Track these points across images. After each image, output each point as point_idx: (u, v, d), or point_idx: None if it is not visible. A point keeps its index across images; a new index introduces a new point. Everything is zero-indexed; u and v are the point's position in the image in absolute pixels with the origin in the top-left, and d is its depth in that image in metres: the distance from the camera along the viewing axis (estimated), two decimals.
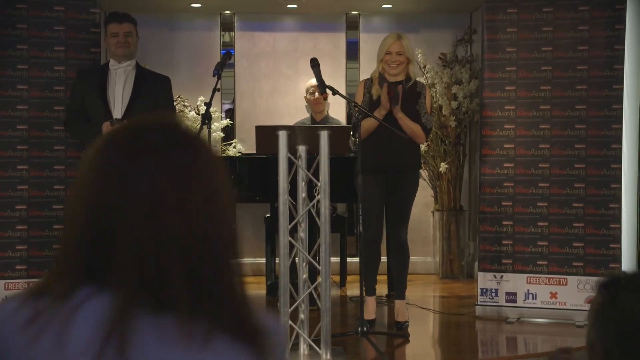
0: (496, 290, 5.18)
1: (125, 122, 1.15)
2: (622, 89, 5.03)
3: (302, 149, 4.06)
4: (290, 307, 3.95)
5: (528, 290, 5.13)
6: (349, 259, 6.41)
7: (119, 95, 4.67)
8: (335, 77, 6.88)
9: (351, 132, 4.72)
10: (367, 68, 6.96)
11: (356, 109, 4.56)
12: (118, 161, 1.06)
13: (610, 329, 1.63)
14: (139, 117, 1.14)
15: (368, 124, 4.65)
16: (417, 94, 4.85)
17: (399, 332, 4.81)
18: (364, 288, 4.65)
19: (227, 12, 6.98)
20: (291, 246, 4.01)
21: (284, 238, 3.95)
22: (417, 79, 4.96)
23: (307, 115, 6.32)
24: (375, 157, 4.67)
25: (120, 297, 1.02)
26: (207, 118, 4.30)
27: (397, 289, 4.98)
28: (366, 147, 4.52)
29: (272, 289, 5.83)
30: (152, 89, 4.76)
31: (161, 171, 1.05)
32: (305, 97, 6.25)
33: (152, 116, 1.13)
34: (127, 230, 1.04)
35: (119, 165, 1.06)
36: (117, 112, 4.63)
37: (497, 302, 5.17)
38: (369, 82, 4.93)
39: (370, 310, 4.87)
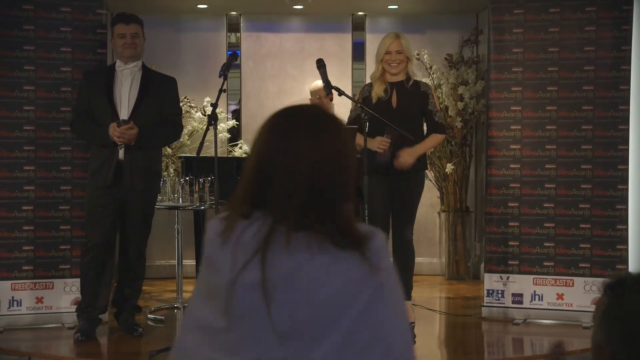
0: (502, 291, 5.17)
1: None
2: (628, 90, 5.02)
3: None
4: None
5: (534, 291, 5.12)
6: None
7: (125, 96, 4.67)
8: (342, 78, 6.88)
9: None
10: (373, 69, 6.96)
11: (364, 116, 4.56)
12: (278, 132, 1.72)
13: (616, 330, 1.62)
14: (294, 104, 1.84)
15: (359, 141, 4.55)
16: (423, 94, 4.86)
17: None
18: None
19: (233, 13, 6.99)
20: None
21: None
22: (422, 80, 4.96)
23: None
24: (381, 159, 4.70)
25: (272, 219, 1.60)
26: (213, 119, 4.29)
27: (405, 290, 4.97)
28: (371, 149, 4.54)
29: None
30: (158, 90, 4.75)
31: (305, 141, 1.66)
32: (311, 100, 6.26)
33: (302, 105, 1.85)
34: (279, 177, 1.62)
35: (278, 135, 1.70)
36: (124, 112, 4.62)
37: (504, 303, 5.17)
38: (367, 87, 4.94)
39: None
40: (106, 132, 4.55)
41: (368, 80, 6.79)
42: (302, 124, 1.74)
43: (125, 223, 4.71)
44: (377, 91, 4.82)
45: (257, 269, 1.56)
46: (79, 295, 5.00)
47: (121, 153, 4.60)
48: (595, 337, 1.66)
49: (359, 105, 4.64)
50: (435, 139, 4.90)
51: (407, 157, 4.70)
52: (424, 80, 4.95)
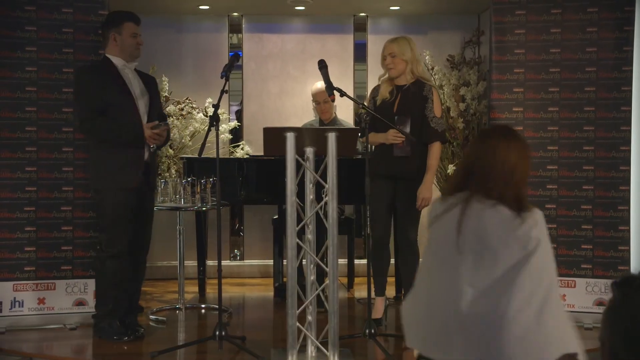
0: None
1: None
2: (630, 91, 5.02)
3: (309, 151, 4.06)
4: (297, 309, 3.95)
5: None
6: (356, 261, 6.41)
7: (139, 94, 4.69)
8: (343, 79, 6.88)
9: (359, 134, 4.74)
10: (375, 70, 6.95)
11: (364, 110, 4.58)
12: (482, 141, 2.72)
13: (618, 328, 1.62)
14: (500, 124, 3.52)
15: (374, 139, 4.75)
16: (424, 98, 4.88)
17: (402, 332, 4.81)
18: (373, 288, 4.70)
19: (235, 13, 6.99)
20: (299, 248, 4.01)
21: (291, 240, 3.94)
22: (429, 83, 4.97)
23: (315, 117, 6.33)
24: (383, 164, 4.75)
25: (468, 194, 2.65)
26: (215, 120, 4.29)
27: (407, 290, 4.99)
28: (374, 153, 4.58)
29: (280, 291, 5.83)
30: (154, 89, 4.85)
31: (495, 149, 2.66)
32: (312, 102, 6.26)
33: (497, 125, 3.51)
34: (479, 168, 2.67)
35: (483, 143, 2.70)
36: (143, 111, 4.65)
37: None
38: (376, 89, 4.99)
39: (378, 309, 4.97)
40: (136, 131, 4.55)
41: (370, 81, 6.81)
42: (494, 137, 2.71)
43: (139, 223, 4.71)
44: (383, 92, 4.89)
45: (456, 213, 2.66)
46: (81, 297, 5.01)
47: (147, 153, 4.65)
48: (600, 334, 1.67)
49: (361, 105, 4.65)
50: (436, 152, 4.90)
51: (425, 193, 4.81)
52: (429, 83, 4.94)
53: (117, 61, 4.66)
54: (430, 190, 4.85)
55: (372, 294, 4.87)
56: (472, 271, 2.58)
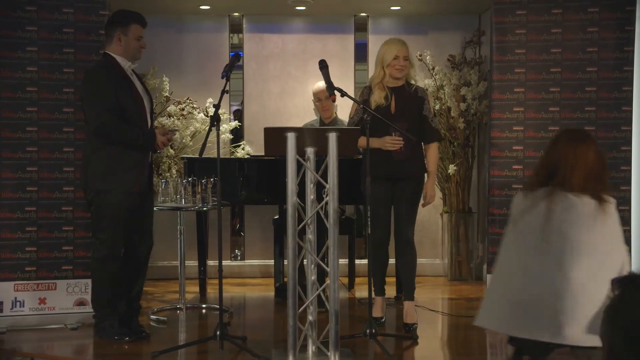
0: None
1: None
2: (631, 91, 5.02)
3: (310, 151, 4.06)
4: (298, 309, 3.95)
5: None
6: (357, 261, 6.41)
7: (143, 97, 4.71)
8: (344, 78, 6.88)
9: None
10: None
11: (366, 117, 4.57)
12: (565, 144, 3.22)
13: (618, 326, 1.62)
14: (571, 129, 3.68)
15: (362, 142, 4.57)
16: (420, 99, 4.92)
17: (407, 334, 4.82)
18: (372, 289, 4.72)
19: (236, 14, 6.99)
20: (300, 248, 4.01)
21: (292, 240, 3.94)
22: (418, 84, 5.01)
23: (316, 117, 6.33)
24: (381, 165, 4.76)
25: (551, 189, 3.14)
26: (215, 120, 4.30)
27: (406, 290, 5.00)
28: (372, 155, 4.57)
29: (281, 291, 5.84)
30: (148, 90, 4.86)
31: (576, 149, 3.19)
32: (313, 102, 6.27)
33: (575, 129, 3.62)
34: (563, 167, 3.12)
35: (565, 145, 3.21)
36: (147, 111, 4.68)
37: None
38: (366, 90, 4.95)
39: (379, 308, 5.00)
40: (149, 136, 4.57)
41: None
42: (574, 139, 3.14)
43: (140, 224, 4.72)
44: (377, 99, 4.85)
45: (545, 206, 3.10)
46: (82, 297, 5.01)
47: (150, 156, 4.71)
48: (601, 330, 1.67)
49: (361, 106, 4.65)
50: (436, 150, 4.99)
51: (431, 191, 4.94)
52: (420, 84, 4.99)
53: (121, 61, 4.63)
54: (434, 187, 4.99)
55: (373, 294, 4.87)
56: (567, 257, 2.97)
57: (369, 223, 4.53)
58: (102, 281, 4.66)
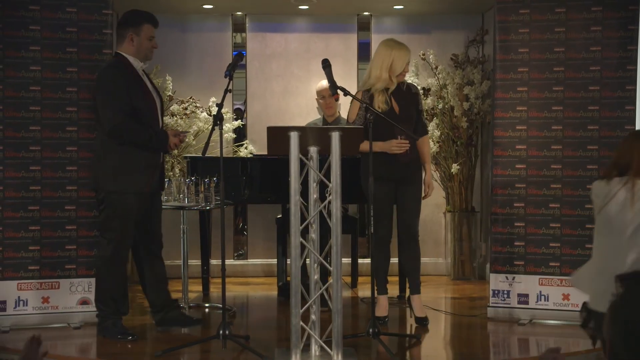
0: (508, 291, 5.17)
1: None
2: (635, 90, 5.01)
3: (313, 150, 4.06)
4: (301, 308, 3.95)
5: (540, 291, 5.11)
6: (360, 260, 6.41)
7: (154, 94, 4.72)
8: (347, 78, 6.87)
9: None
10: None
11: (369, 116, 4.59)
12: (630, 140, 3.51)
13: (618, 320, 1.62)
14: None
15: (366, 146, 4.52)
16: (415, 96, 5.04)
17: (419, 325, 4.96)
18: (375, 288, 4.74)
19: (239, 13, 6.99)
20: (302, 247, 4.01)
21: (295, 239, 3.95)
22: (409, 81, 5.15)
23: (319, 116, 6.33)
24: (386, 167, 4.81)
25: (628, 178, 3.38)
26: (218, 119, 4.30)
27: (413, 284, 5.06)
28: (376, 157, 4.58)
29: (284, 290, 5.84)
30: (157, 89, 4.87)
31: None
32: (316, 100, 6.27)
33: None
34: (634, 158, 3.39)
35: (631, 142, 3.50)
36: (159, 111, 4.70)
37: (509, 304, 5.16)
38: (367, 95, 4.93)
39: (382, 307, 5.03)
40: (161, 137, 4.58)
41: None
42: None
43: (150, 223, 4.75)
44: (380, 104, 4.87)
45: (625, 192, 3.34)
46: (85, 296, 5.01)
47: (161, 157, 4.74)
48: (604, 327, 1.67)
49: (364, 105, 4.65)
50: (428, 143, 5.21)
51: (431, 184, 5.11)
52: (423, 83, 5.06)
53: (133, 61, 4.64)
54: (431, 181, 5.15)
55: (376, 293, 4.87)
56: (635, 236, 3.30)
57: (372, 222, 4.54)
58: (107, 280, 4.66)
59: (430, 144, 5.20)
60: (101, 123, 4.57)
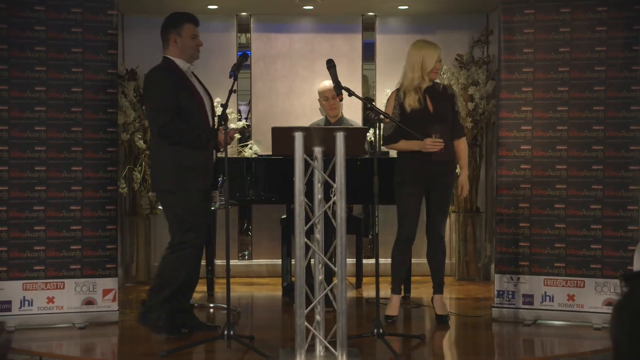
0: (513, 292, 5.16)
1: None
2: None
3: (318, 150, 4.06)
4: (306, 309, 3.95)
5: (545, 292, 5.11)
6: (365, 261, 6.41)
7: (203, 94, 4.74)
8: (352, 78, 6.88)
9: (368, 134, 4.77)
10: (383, 69, 6.96)
11: (387, 120, 4.73)
12: None
13: (622, 321, 1.62)
14: None
15: (407, 146, 4.86)
16: (451, 97, 5.08)
17: (439, 323, 5.05)
18: (392, 286, 5.02)
19: (244, 13, 6.99)
20: (307, 247, 4.01)
21: (300, 239, 3.95)
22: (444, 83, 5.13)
23: (322, 116, 6.33)
24: (420, 166, 4.94)
25: None
26: (223, 119, 4.30)
27: (437, 284, 5.15)
28: (406, 156, 4.66)
29: (288, 290, 5.84)
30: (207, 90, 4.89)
31: None
32: (319, 101, 6.26)
33: None
34: None
35: None
36: (209, 110, 4.72)
37: (514, 304, 5.15)
38: (401, 94, 4.99)
39: (394, 307, 5.11)
40: (210, 135, 4.58)
41: (379, 81, 6.80)
42: None
43: (203, 223, 4.76)
44: (412, 102, 4.95)
45: None
46: (90, 296, 5.02)
47: (215, 156, 4.75)
48: (609, 329, 1.67)
49: (369, 105, 4.66)
50: (465, 144, 5.18)
51: (466, 185, 5.14)
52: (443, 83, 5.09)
53: (180, 63, 4.69)
54: (467, 181, 5.18)
55: (381, 293, 4.86)
56: None
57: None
58: (170, 276, 4.65)
59: (467, 147, 5.19)
60: (150, 125, 4.67)
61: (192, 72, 4.77)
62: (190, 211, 4.58)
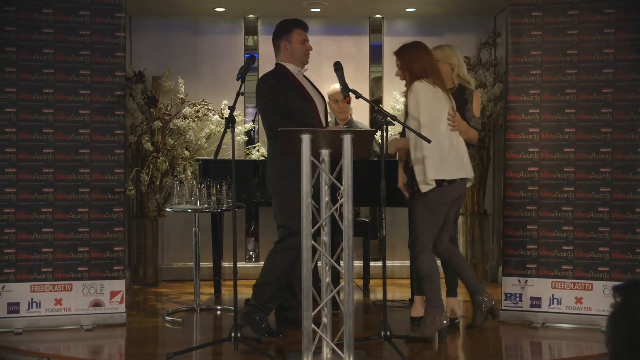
0: (520, 295, 5.15)
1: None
2: None
3: (325, 153, 4.06)
4: (313, 311, 3.95)
5: (553, 295, 5.09)
6: (372, 263, 6.40)
7: (316, 97, 4.79)
8: (359, 80, 6.88)
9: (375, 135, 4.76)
10: (391, 71, 6.94)
11: (394, 122, 4.68)
12: None
13: (620, 332, 1.62)
14: None
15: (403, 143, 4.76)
16: (464, 101, 4.99)
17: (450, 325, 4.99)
18: (411, 289, 5.10)
19: (251, 16, 7.00)
20: (314, 250, 4.01)
21: (307, 241, 3.95)
22: (469, 86, 5.07)
23: (330, 119, 6.32)
24: None
25: None
26: (230, 122, 4.31)
27: (451, 287, 5.14)
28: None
29: None
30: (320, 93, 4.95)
31: None
32: (329, 104, 6.26)
33: None
34: None
35: None
36: (322, 113, 4.79)
37: (522, 307, 5.14)
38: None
39: (418, 309, 5.12)
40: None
41: (386, 83, 6.79)
42: None
43: None
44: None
45: None
46: (98, 298, 5.03)
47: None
48: (605, 338, 1.67)
49: (376, 107, 4.66)
50: (473, 134, 5.01)
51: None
52: (470, 87, 5.05)
53: (291, 67, 4.79)
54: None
55: (388, 296, 4.86)
56: None
57: (384, 223, 4.57)
58: (274, 274, 4.71)
59: (473, 138, 5.13)
60: (264, 128, 4.77)
61: (304, 76, 4.86)
62: (299, 213, 4.58)
